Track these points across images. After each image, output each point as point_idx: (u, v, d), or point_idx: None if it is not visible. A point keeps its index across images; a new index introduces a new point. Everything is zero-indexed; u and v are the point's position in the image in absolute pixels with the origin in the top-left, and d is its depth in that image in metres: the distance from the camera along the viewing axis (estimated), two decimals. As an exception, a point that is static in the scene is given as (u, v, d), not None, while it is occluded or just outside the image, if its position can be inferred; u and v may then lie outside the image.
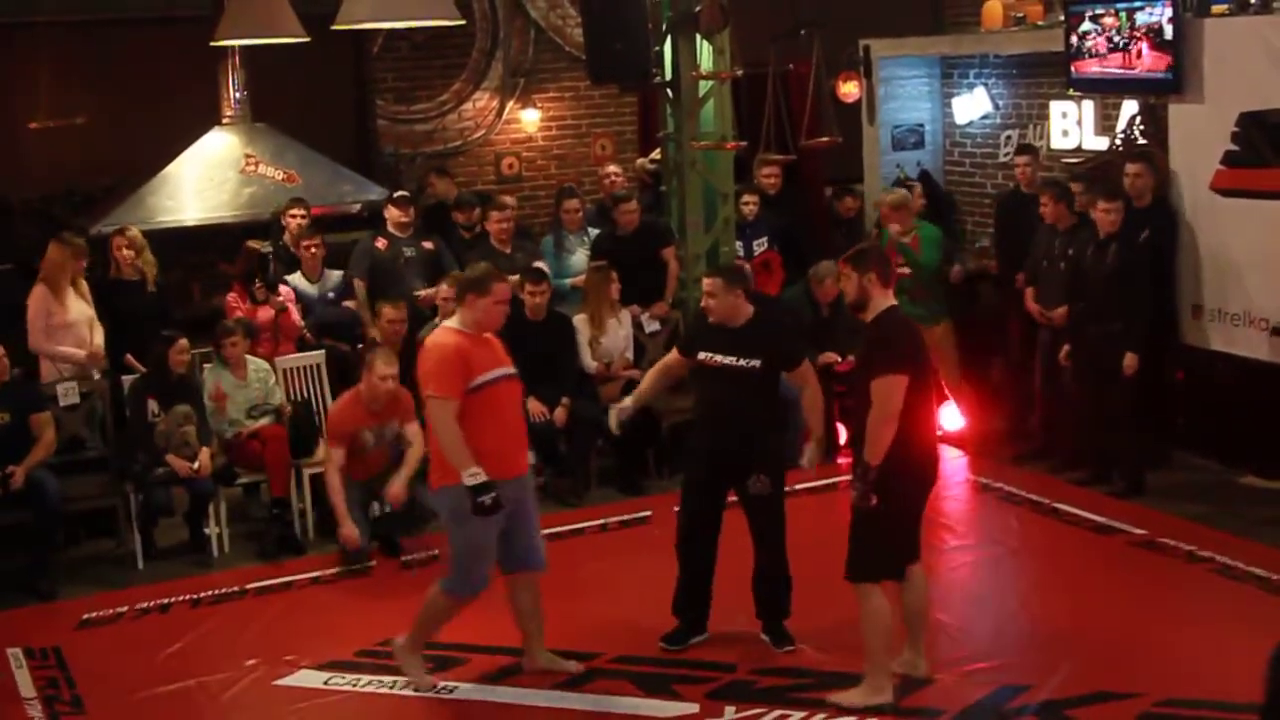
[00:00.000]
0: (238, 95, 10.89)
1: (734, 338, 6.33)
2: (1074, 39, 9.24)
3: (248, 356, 8.60)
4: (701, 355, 6.43)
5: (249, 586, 7.81)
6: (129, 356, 8.77)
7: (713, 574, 6.61)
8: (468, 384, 5.93)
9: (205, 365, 8.66)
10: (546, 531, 8.00)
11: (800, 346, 6.73)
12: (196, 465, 8.04)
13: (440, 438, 5.93)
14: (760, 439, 6.37)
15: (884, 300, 5.85)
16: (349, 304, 9.59)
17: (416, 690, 6.35)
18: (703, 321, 6.56)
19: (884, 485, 5.71)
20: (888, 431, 5.65)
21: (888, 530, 5.84)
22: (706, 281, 6.45)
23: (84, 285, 8.75)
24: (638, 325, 9.53)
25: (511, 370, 6.19)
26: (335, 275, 9.63)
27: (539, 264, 9.61)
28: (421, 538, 8.14)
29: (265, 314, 8.98)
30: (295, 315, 9.11)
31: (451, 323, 6.16)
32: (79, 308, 8.65)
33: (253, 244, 9.25)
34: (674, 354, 6.70)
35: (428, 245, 9.85)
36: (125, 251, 8.95)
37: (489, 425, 5.98)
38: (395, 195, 10.00)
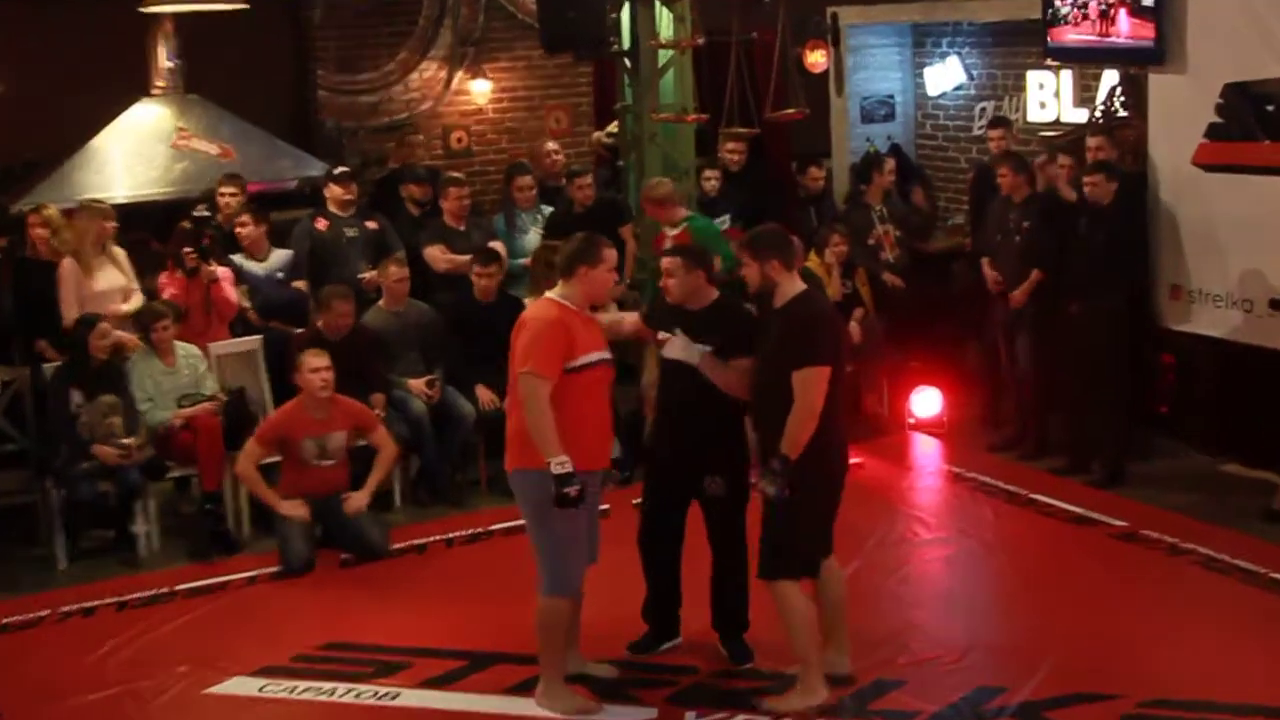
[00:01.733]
0: (169, 65, 10.74)
1: (691, 321, 6.23)
2: (1053, 6, 9.19)
3: (177, 342, 8.49)
4: (660, 335, 6.33)
5: (179, 588, 7.70)
6: (41, 343, 8.63)
7: (678, 577, 6.53)
8: (566, 364, 5.79)
9: (132, 352, 8.50)
10: (502, 525, 8.07)
11: (750, 339, 6.66)
12: (130, 441, 7.93)
13: (530, 418, 5.73)
14: (715, 434, 6.28)
15: (792, 286, 5.84)
16: (298, 284, 9.49)
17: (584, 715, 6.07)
18: (666, 304, 6.48)
19: (809, 478, 5.71)
20: (810, 426, 5.66)
21: (803, 525, 5.82)
22: (666, 261, 6.36)
23: (118, 252, 8.75)
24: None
25: (609, 355, 6.05)
26: (283, 254, 9.52)
27: (495, 244, 9.54)
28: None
29: (196, 288, 8.85)
30: (230, 292, 8.98)
31: (555, 294, 5.96)
32: (110, 277, 8.63)
33: (189, 225, 9.15)
34: (638, 318, 6.59)
35: (371, 224, 9.76)
36: (39, 231, 8.81)
37: (580, 412, 5.82)
38: (336, 171, 9.90)
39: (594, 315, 6.14)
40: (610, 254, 6.01)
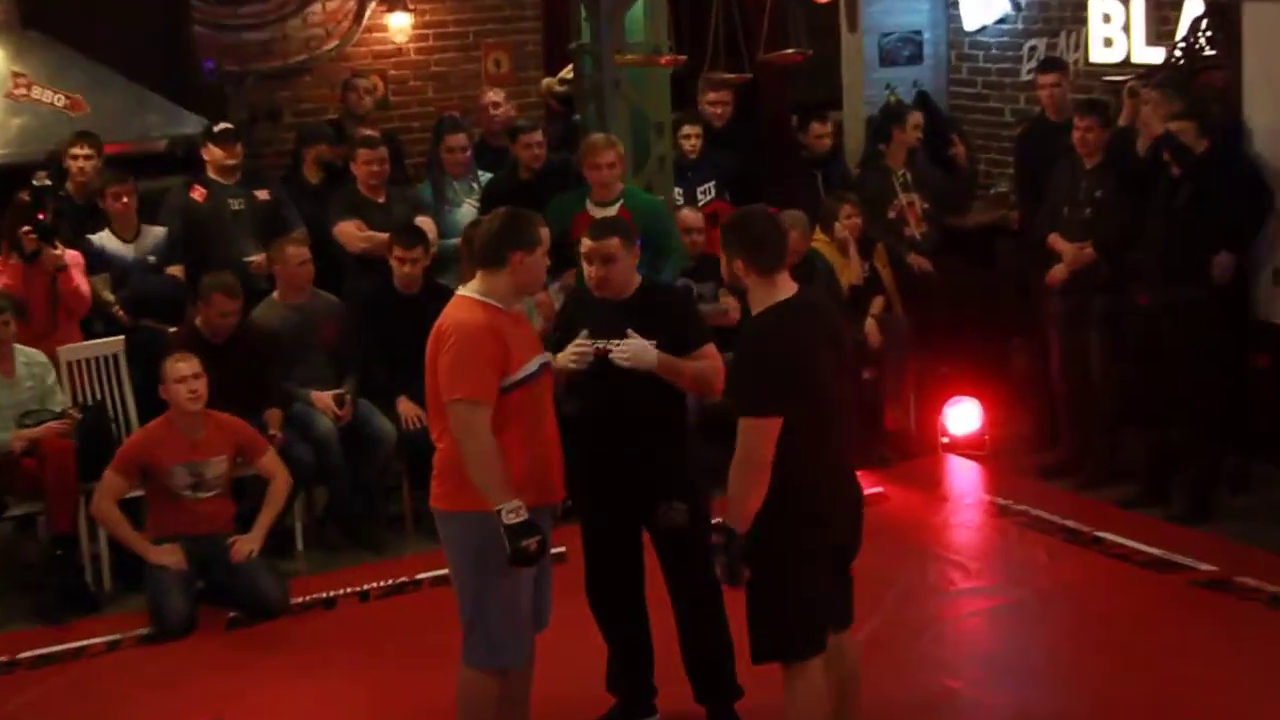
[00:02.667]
0: (2, -7, 10.70)
1: (619, 314, 6.26)
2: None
3: (17, 346, 8.46)
4: (596, 344, 6.27)
5: (22, 656, 7.69)
6: None
7: (645, 632, 6.57)
8: (504, 380, 5.75)
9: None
10: (430, 574, 8.11)
11: (703, 321, 6.72)
12: None
13: (470, 457, 5.68)
14: (664, 451, 6.32)
15: (766, 294, 5.71)
16: (173, 270, 9.51)
17: None
18: (578, 303, 6.49)
19: (778, 531, 5.61)
20: (755, 488, 5.57)
21: (796, 590, 5.70)
22: (598, 244, 6.27)
23: None
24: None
25: (548, 357, 6.05)
26: (156, 232, 9.55)
27: (421, 220, 9.59)
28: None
29: (37, 278, 8.81)
30: (81, 282, 8.97)
31: (472, 292, 5.89)
32: None
33: (27, 197, 9.12)
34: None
35: (262, 194, 9.81)
36: None
37: (527, 435, 5.81)
38: (216, 129, 9.91)
39: (523, 310, 6.11)
40: (545, 232, 5.96)
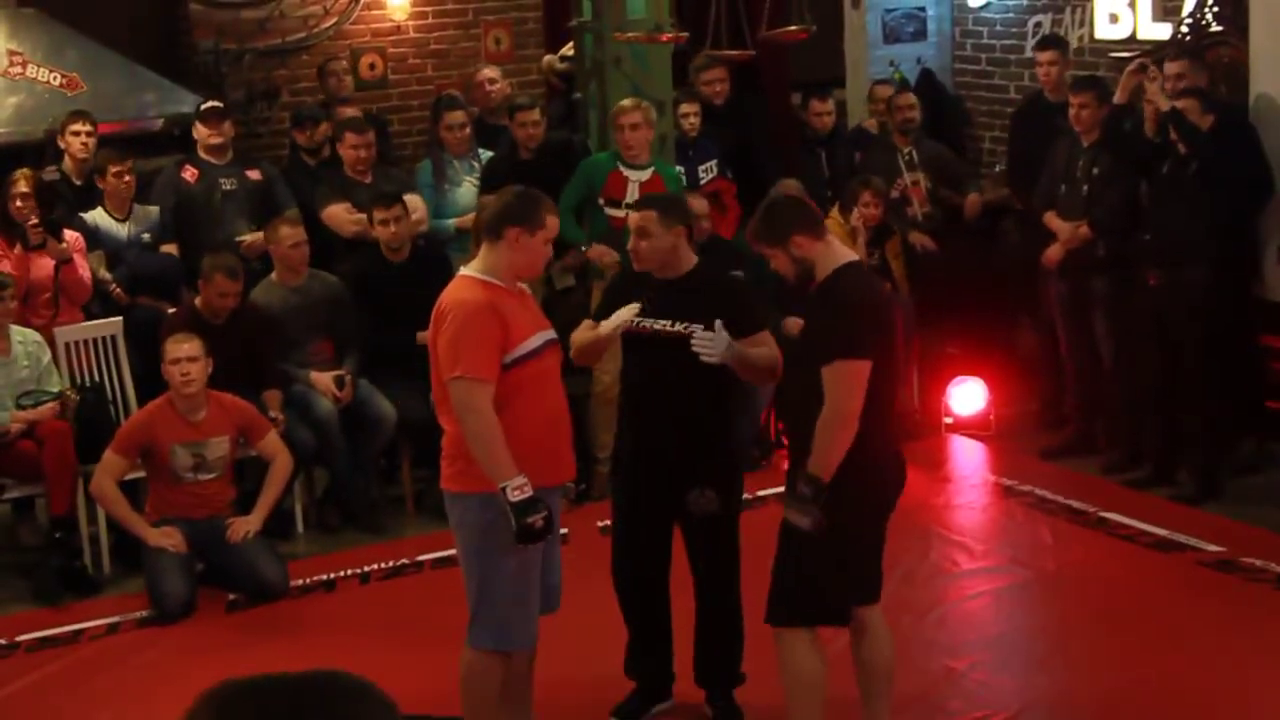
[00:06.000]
0: (-4, -30, 10.73)
1: (672, 295, 6.27)
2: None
3: (11, 325, 8.45)
4: (688, 327, 6.26)
5: (21, 639, 7.71)
6: None
7: (669, 618, 6.57)
8: (505, 357, 5.77)
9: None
10: (433, 555, 8.14)
11: (760, 306, 6.70)
12: None
13: (471, 434, 5.70)
14: (704, 436, 6.32)
15: (830, 257, 5.78)
16: (168, 249, 9.53)
17: None
18: (627, 279, 6.50)
19: (846, 494, 5.63)
20: (844, 436, 5.60)
21: (830, 557, 5.71)
22: (635, 216, 6.37)
23: None
24: (545, 280, 9.47)
25: (553, 334, 6.03)
26: (149, 211, 9.57)
27: (409, 197, 9.60)
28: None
29: (42, 267, 8.83)
30: (84, 271, 8.98)
31: (474, 270, 5.91)
32: None
33: (22, 173, 9.12)
34: (585, 327, 6.55)
35: (253, 174, 9.83)
36: None
37: (532, 413, 5.82)
38: (203, 107, 9.93)
39: (526, 288, 6.12)
40: (553, 220, 5.94)
